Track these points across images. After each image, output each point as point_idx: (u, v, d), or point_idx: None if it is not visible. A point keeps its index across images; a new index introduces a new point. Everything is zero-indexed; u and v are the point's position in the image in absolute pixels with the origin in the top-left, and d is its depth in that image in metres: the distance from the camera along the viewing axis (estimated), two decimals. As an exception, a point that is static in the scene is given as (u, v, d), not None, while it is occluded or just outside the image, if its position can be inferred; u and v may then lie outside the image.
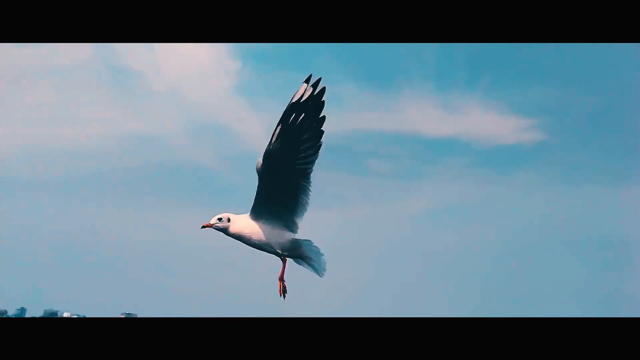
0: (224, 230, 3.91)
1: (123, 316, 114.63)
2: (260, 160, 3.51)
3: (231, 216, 3.91)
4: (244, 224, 3.86)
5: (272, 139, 3.41)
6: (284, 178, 3.59)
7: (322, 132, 3.46)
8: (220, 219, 3.90)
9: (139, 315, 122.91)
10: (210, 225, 3.90)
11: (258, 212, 3.83)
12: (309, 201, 3.82)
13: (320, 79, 3.33)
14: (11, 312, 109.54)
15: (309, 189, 3.75)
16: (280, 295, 3.95)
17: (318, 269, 4.01)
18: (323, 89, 3.36)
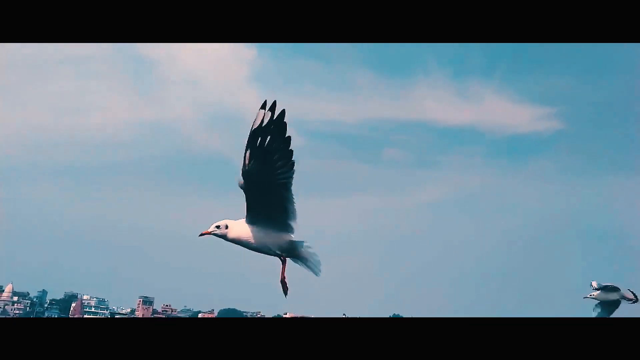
0: (223, 237, 4.05)
1: (141, 299, 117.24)
2: (240, 177, 3.68)
3: (229, 222, 4.04)
4: (241, 229, 3.98)
5: (244, 161, 3.56)
6: (265, 192, 3.75)
7: (291, 151, 3.60)
8: (218, 227, 4.04)
9: (156, 299, 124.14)
10: (209, 233, 4.03)
11: (252, 218, 3.97)
12: (295, 209, 3.93)
13: (275, 102, 3.47)
14: (33, 294, 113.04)
15: (292, 200, 3.89)
16: (285, 294, 4.16)
17: (314, 270, 4.16)
18: (282, 112, 3.48)
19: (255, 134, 3.53)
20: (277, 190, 3.77)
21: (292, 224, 4.05)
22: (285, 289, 4.20)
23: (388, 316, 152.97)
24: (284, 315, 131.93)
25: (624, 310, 11.92)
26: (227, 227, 4.02)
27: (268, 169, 3.61)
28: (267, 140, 3.54)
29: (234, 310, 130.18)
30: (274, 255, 4.11)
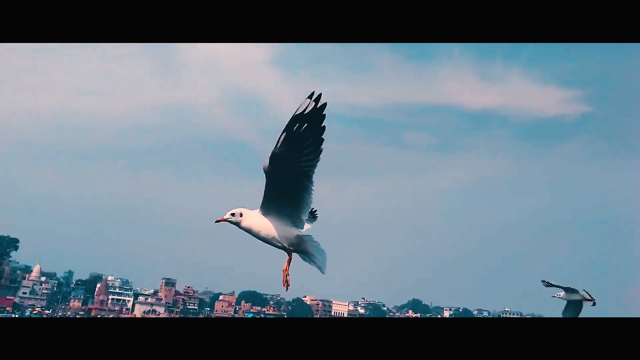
0: (237, 224, 4.20)
1: (163, 281, 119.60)
2: (266, 161, 3.79)
3: (243, 211, 4.18)
4: (254, 219, 4.14)
5: (277, 143, 3.69)
6: (288, 178, 3.88)
7: (323, 139, 3.76)
8: (233, 214, 4.19)
9: (178, 281, 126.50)
10: (224, 220, 4.19)
11: (267, 208, 4.10)
12: (312, 199, 4.06)
13: (321, 95, 3.63)
14: (60, 275, 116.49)
15: (311, 189, 4.01)
16: (284, 286, 4.26)
17: (321, 266, 4.27)
18: (324, 104, 3.65)
19: (295, 119, 3.66)
20: (299, 177, 3.91)
21: (304, 218, 4.20)
22: (286, 283, 4.29)
23: (407, 301, 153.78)
24: (303, 299, 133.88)
25: (589, 312, 12.17)
26: (241, 215, 4.18)
27: (296, 155, 3.77)
28: (304, 127, 3.70)
29: (254, 292, 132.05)
30: (281, 249, 4.25)
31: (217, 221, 4.21)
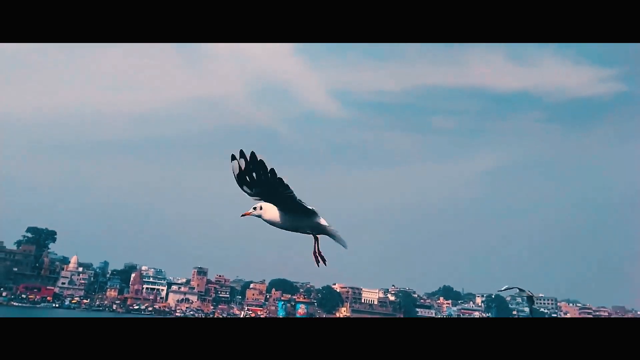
0: (259, 217, 4.48)
1: (195, 270, 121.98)
2: (247, 192, 4.11)
3: (264, 205, 4.42)
4: (273, 213, 4.41)
5: (247, 192, 4.06)
6: (277, 202, 4.24)
7: (281, 179, 3.96)
8: (255, 208, 4.47)
9: (210, 270, 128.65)
10: (249, 214, 4.49)
11: (280, 209, 4.37)
12: (312, 208, 4.34)
13: (241, 151, 3.85)
14: (96, 265, 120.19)
15: (303, 205, 4.26)
16: (317, 264, 4.58)
17: (342, 243, 4.51)
18: (252, 154, 3.84)
19: (239, 180, 3.97)
20: (286, 199, 4.17)
21: (316, 210, 4.42)
22: (318, 261, 4.60)
23: (438, 288, 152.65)
24: (333, 286, 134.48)
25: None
26: (262, 208, 4.42)
27: (270, 191, 4.06)
28: (254, 178, 3.96)
29: (284, 280, 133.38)
30: (305, 234, 4.56)
31: (243, 215, 4.51)
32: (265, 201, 4.25)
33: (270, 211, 4.40)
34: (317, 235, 4.57)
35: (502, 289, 14.70)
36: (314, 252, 4.58)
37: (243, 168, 3.91)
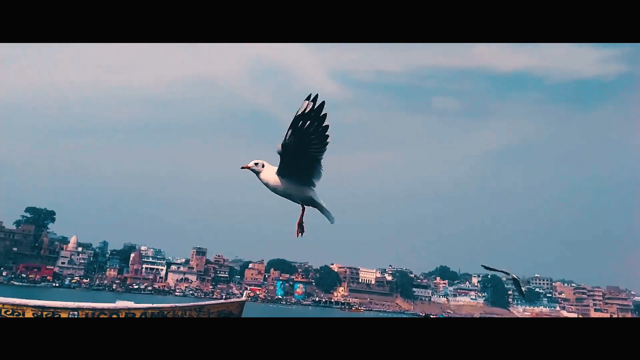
0: (257, 174, 4.58)
1: (194, 250, 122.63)
2: (279, 145, 4.23)
3: (265, 164, 4.57)
4: (271, 175, 4.52)
5: (286, 136, 4.13)
6: (298, 160, 4.34)
7: (327, 135, 4.20)
8: (256, 164, 4.62)
9: (208, 250, 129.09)
10: (248, 167, 4.59)
11: (282, 172, 4.49)
12: (322, 172, 4.49)
13: (317, 95, 4.10)
14: (95, 245, 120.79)
15: (320, 169, 4.45)
16: (297, 235, 4.72)
17: (330, 217, 4.68)
18: (322, 104, 4.05)
19: (297, 119, 4.08)
20: (309, 160, 4.35)
21: (315, 182, 4.58)
22: (299, 231, 4.73)
23: (435, 268, 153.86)
24: (331, 266, 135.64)
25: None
26: (263, 166, 4.56)
27: (304, 144, 4.21)
28: (307, 125, 4.10)
29: (282, 260, 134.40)
30: (296, 203, 4.70)
31: (242, 168, 4.64)
32: (287, 156, 4.31)
33: (268, 173, 4.52)
34: (305, 207, 4.72)
35: (488, 266, 14.70)
36: (298, 222, 4.72)
37: (307, 111, 4.05)
